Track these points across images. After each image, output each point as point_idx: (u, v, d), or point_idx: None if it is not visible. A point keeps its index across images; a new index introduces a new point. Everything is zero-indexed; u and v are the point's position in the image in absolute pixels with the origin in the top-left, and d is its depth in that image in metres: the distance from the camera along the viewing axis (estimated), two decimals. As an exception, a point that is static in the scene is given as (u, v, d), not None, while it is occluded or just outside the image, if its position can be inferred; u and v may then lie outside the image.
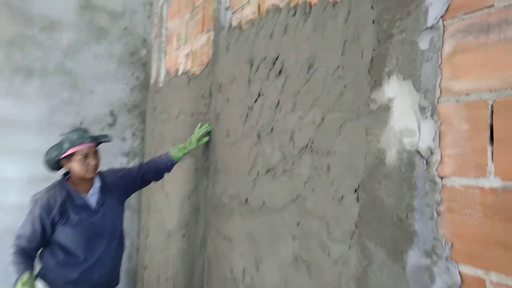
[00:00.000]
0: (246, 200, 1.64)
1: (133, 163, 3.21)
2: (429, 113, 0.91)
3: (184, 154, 2.06)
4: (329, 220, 1.18)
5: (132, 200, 3.20)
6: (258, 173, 1.57)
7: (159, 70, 2.97)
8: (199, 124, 2.09)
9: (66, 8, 2.87)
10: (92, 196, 1.88)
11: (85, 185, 1.88)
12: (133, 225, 3.23)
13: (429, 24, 0.92)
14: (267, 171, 1.52)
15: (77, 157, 1.79)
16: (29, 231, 1.73)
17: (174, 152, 2.05)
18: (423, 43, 0.93)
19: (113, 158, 3.10)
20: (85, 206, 1.83)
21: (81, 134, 1.81)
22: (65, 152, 1.77)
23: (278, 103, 1.47)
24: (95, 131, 3.04)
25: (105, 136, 1.95)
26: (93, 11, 2.98)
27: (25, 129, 2.74)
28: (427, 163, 0.91)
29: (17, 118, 2.74)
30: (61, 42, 2.87)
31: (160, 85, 2.92)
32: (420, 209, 0.91)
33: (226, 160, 1.85)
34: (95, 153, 1.86)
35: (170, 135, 2.62)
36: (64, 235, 1.76)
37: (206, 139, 2.05)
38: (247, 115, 1.68)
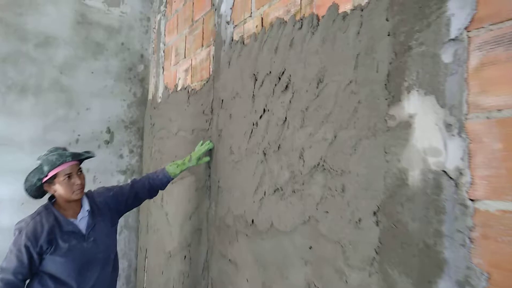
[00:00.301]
0: (252, 221, 1.56)
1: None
2: (456, 131, 0.84)
3: (182, 171, 1.97)
4: (345, 245, 1.11)
5: (130, 219, 3.10)
6: (265, 193, 1.50)
7: (157, 86, 2.91)
8: (201, 141, 2.01)
9: (62, 24, 2.82)
10: (82, 221, 1.74)
11: (73, 208, 1.74)
12: (131, 246, 3.12)
13: (452, 35, 0.86)
14: (274, 191, 1.44)
15: (60, 179, 1.64)
16: (15, 263, 1.57)
17: (171, 169, 1.95)
18: (446, 56, 0.87)
19: (110, 176, 3.01)
20: (75, 232, 1.69)
21: (60, 153, 1.67)
22: (46, 175, 1.64)
23: (285, 119, 1.41)
24: (92, 149, 2.97)
25: (87, 152, 1.80)
26: (89, 26, 2.92)
27: (18, 148, 2.65)
28: (456, 184, 0.84)
29: (11, 137, 2.65)
30: (56, 59, 2.81)
31: (159, 101, 2.85)
32: (450, 235, 0.84)
33: (229, 179, 1.78)
34: (79, 172, 1.72)
35: (169, 152, 2.54)
36: (53, 264, 1.62)
37: (207, 158, 1.96)
38: (251, 132, 1.61)
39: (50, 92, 2.79)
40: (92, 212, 1.77)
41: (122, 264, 3.07)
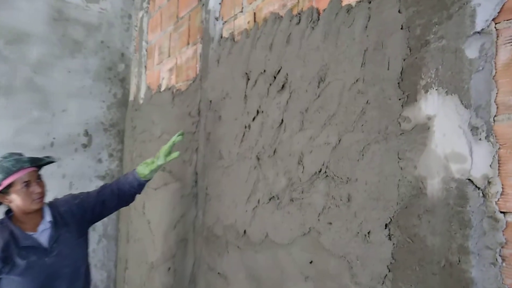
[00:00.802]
0: (245, 232, 1.44)
1: (110, 187, 2.95)
2: (483, 134, 0.75)
3: (154, 172, 1.70)
4: (352, 260, 1.00)
5: (109, 227, 2.93)
6: (258, 201, 1.38)
7: (139, 86, 2.76)
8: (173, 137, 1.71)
9: (36, 20, 2.64)
10: (43, 233, 1.54)
11: (33, 220, 1.54)
12: (110, 256, 2.94)
13: (478, 28, 0.77)
14: (270, 199, 1.33)
15: (17, 187, 1.46)
16: None
17: (140, 169, 1.70)
18: (471, 51, 0.78)
19: (88, 181, 2.84)
20: (35, 247, 1.49)
21: (16, 159, 1.48)
22: (2, 181, 1.45)
23: (281, 122, 1.30)
24: (68, 153, 2.79)
25: (47, 157, 1.61)
26: (66, 23, 2.75)
27: (-13, 152, 2.45)
28: (484, 195, 0.74)
29: (-21, 140, 2.45)
30: (30, 57, 2.62)
31: (141, 102, 2.70)
32: (477, 252, 0.74)
33: (218, 186, 1.65)
34: (39, 179, 1.54)
35: (152, 156, 2.39)
36: (11, 285, 1.43)
37: (175, 154, 1.69)
38: (243, 135, 1.50)
39: (23, 92, 2.60)
40: (55, 223, 1.58)
41: (101, 276, 2.89)
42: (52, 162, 1.62)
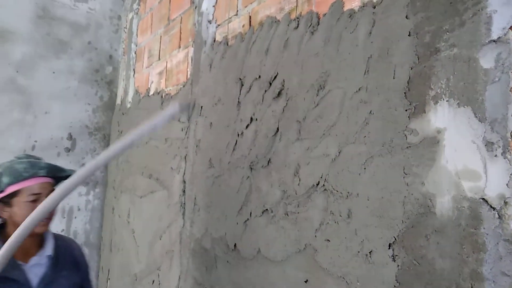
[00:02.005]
0: (235, 246, 1.36)
1: (94, 194, 2.83)
2: (499, 150, 0.70)
3: None
4: (351, 282, 0.93)
5: (91, 236, 2.81)
6: (250, 214, 1.31)
7: (127, 90, 2.66)
8: None
9: (20, 18, 2.53)
10: (35, 268, 1.21)
11: (27, 247, 1.20)
12: (92, 265, 2.82)
13: (494, 36, 0.72)
14: (262, 212, 1.26)
15: (22, 198, 1.17)
16: None
17: None
18: (486, 60, 0.73)
19: (70, 187, 2.72)
20: (19, 282, 1.15)
21: (31, 162, 1.22)
22: (3, 190, 1.17)
23: (277, 131, 1.23)
24: (50, 157, 2.66)
25: (70, 170, 1.33)
26: (52, 22, 2.65)
27: (-37, 155, 2.33)
28: (500, 216, 0.68)
29: (-45, 142, 2.33)
30: (12, 56, 2.51)
31: (128, 105, 2.61)
32: (492, 278, 0.68)
33: (208, 196, 1.57)
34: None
35: (139, 163, 2.30)
36: None
37: None
38: (236, 143, 1.43)
39: (4, 93, 2.49)
40: (54, 261, 1.26)
41: (81, 286, 2.77)
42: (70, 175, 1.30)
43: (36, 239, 1.25)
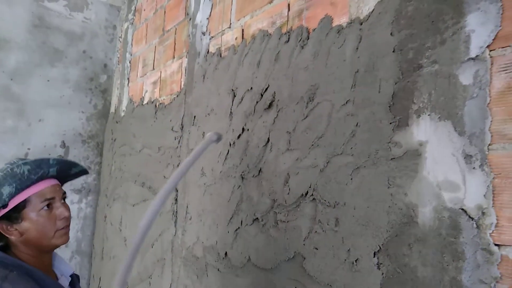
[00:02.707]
0: (226, 254, 1.38)
1: (86, 201, 2.83)
2: (477, 163, 0.73)
3: None
4: (338, 289, 0.96)
5: (83, 244, 2.81)
6: (241, 223, 1.33)
7: (121, 98, 2.69)
8: None
9: (15, 26, 2.55)
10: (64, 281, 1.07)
11: (46, 263, 1.03)
12: (83, 273, 2.81)
13: (472, 54, 0.76)
14: (253, 221, 1.28)
15: (35, 208, 0.96)
16: None
17: None
18: (465, 77, 0.76)
19: (62, 195, 2.72)
20: None
21: (38, 163, 1.00)
22: (6, 205, 0.93)
23: (267, 141, 1.26)
24: (43, 165, 2.67)
25: (82, 166, 1.16)
26: (47, 31, 2.67)
27: (-45, 162, 2.32)
28: (478, 226, 0.72)
29: None
30: (7, 63, 2.53)
31: (122, 114, 2.63)
32: (471, 286, 0.71)
33: (200, 205, 1.59)
34: (64, 199, 1.06)
35: (132, 171, 2.32)
36: None
37: None
38: (227, 153, 1.45)
39: (-2, 100, 2.50)
40: (73, 281, 1.12)
41: (71, 294, 2.75)
42: (85, 173, 1.18)
43: (49, 256, 1.07)
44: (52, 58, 2.69)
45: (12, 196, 0.94)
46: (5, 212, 0.94)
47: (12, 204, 0.94)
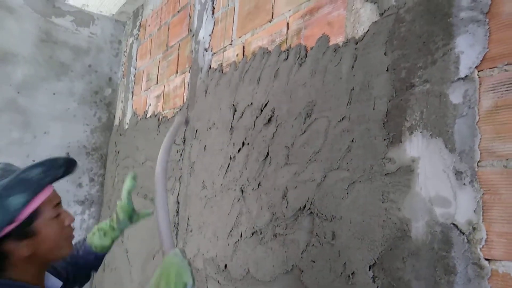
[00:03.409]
0: (225, 266, 1.40)
1: (89, 213, 2.86)
2: (467, 179, 0.75)
3: (115, 239, 1.20)
4: (335, 302, 0.97)
5: (85, 255, 2.82)
6: (241, 235, 1.35)
7: (125, 111, 2.73)
8: (129, 182, 1.21)
9: (23, 41, 2.62)
10: None
11: (37, 277, 0.89)
12: (85, 285, 2.81)
13: (462, 74, 0.79)
14: (252, 234, 1.30)
15: (47, 216, 0.85)
16: None
17: (95, 240, 1.15)
18: (455, 96, 0.79)
19: (66, 206, 2.73)
20: None
21: (47, 164, 0.89)
22: (13, 220, 0.79)
23: (267, 155, 1.29)
24: (47, 176, 2.71)
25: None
26: (54, 45, 2.74)
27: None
28: (469, 240, 0.74)
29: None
30: (14, 77, 2.59)
31: (125, 127, 2.67)
32: (462, 299, 0.73)
33: (201, 217, 1.61)
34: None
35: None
36: None
37: (146, 212, 1.26)
38: (228, 166, 1.48)
39: (4, 113, 2.55)
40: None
41: (73, 306, 2.75)
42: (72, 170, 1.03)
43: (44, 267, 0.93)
44: (58, 72, 2.75)
45: (24, 207, 0.80)
46: (12, 228, 0.78)
47: (22, 217, 0.80)
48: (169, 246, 0.90)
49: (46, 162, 0.88)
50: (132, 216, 1.20)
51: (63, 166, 0.94)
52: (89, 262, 1.14)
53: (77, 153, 2.82)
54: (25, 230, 0.81)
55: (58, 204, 0.90)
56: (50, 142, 2.71)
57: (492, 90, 0.74)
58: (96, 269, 1.21)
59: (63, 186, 2.74)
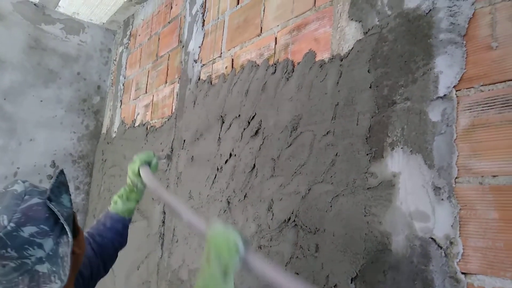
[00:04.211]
0: (210, 278, 1.40)
1: (74, 222, 2.82)
2: (445, 195, 0.78)
3: (138, 202, 1.27)
4: (317, 314, 0.98)
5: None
6: (226, 247, 1.35)
7: (113, 120, 2.72)
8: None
9: (11, 47, 2.60)
10: None
11: None
12: None
13: (441, 93, 0.82)
14: (237, 245, 1.30)
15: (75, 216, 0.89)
16: None
17: (119, 208, 1.21)
18: (434, 114, 0.82)
19: (50, 215, 2.70)
20: None
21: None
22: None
23: (253, 167, 1.30)
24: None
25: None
26: (43, 52, 2.73)
27: None
28: (446, 254, 0.76)
29: None
30: (1, 83, 2.56)
31: (113, 135, 2.66)
32: (439, 312, 0.75)
33: (186, 228, 1.61)
34: None
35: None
36: None
37: (156, 162, 1.31)
38: (215, 177, 1.49)
39: (-11, 119, 2.52)
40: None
41: (54, 317, 2.69)
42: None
43: None
44: (47, 79, 2.73)
45: (71, 205, 0.83)
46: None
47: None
48: (203, 227, 0.88)
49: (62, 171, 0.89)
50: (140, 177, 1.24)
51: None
52: (118, 232, 1.18)
53: (63, 161, 2.79)
54: (74, 229, 0.81)
55: None
56: (36, 149, 2.68)
57: (468, 109, 0.78)
58: (123, 243, 1.22)
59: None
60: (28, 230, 0.71)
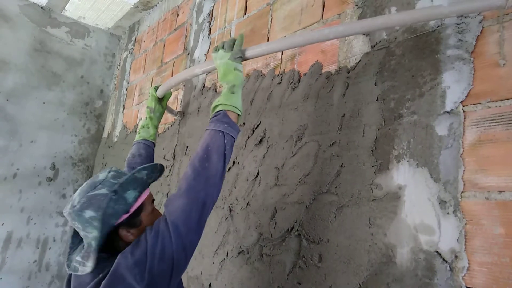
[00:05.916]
0: (210, 285, 1.39)
1: (70, 225, 2.80)
2: (451, 209, 0.78)
3: (156, 127, 1.52)
4: (319, 325, 0.98)
5: (63, 269, 2.75)
6: (227, 254, 1.35)
7: (115, 124, 2.73)
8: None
9: (16, 49, 2.61)
10: None
11: None
12: None
13: (448, 108, 0.83)
14: (239, 253, 1.30)
15: (147, 210, 0.99)
16: None
17: (144, 134, 1.47)
18: (441, 129, 0.83)
19: (48, 217, 2.69)
20: None
21: (152, 167, 1.03)
22: (129, 211, 0.93)
23: (257, 175, 1.31)
24: (31, 186, 2.67)
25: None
26: (47, 55, 2.74)
27: None
28: (451, 269, 0.76)
29: None
30: (4, 84, 2.57)
31: (115, 139, 2.66)
32: (443, 326, 0.75)
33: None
34: None
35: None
36: None
37: (169, 92, 1.54)
38: (217, 185, 1.49)
39: (-9, 120, 2.52)
40: None
41: (48, 322, 2.67)
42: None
43: None
44: (50, 81, 2.74)
45: (135, 200, 0.95)
46: (126, 217, 0.93)
47: (133, 208, 0.95)
48: (211, 64, 1.21)
49: (148, 167, 1.02)
50: (161, 100, 1.54)
51: (159, 172, 1.07)
52: (151, 155, 1.47)
53: (63, 164, 2.79)
54: (134, 220, 0.95)
55: (153, 201, 1.06)
56: (36, 151, 2.67)
57: (475, 124, 0.79)
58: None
59: (48, 197, 2.69)
60: (88, 214, 0.88)
